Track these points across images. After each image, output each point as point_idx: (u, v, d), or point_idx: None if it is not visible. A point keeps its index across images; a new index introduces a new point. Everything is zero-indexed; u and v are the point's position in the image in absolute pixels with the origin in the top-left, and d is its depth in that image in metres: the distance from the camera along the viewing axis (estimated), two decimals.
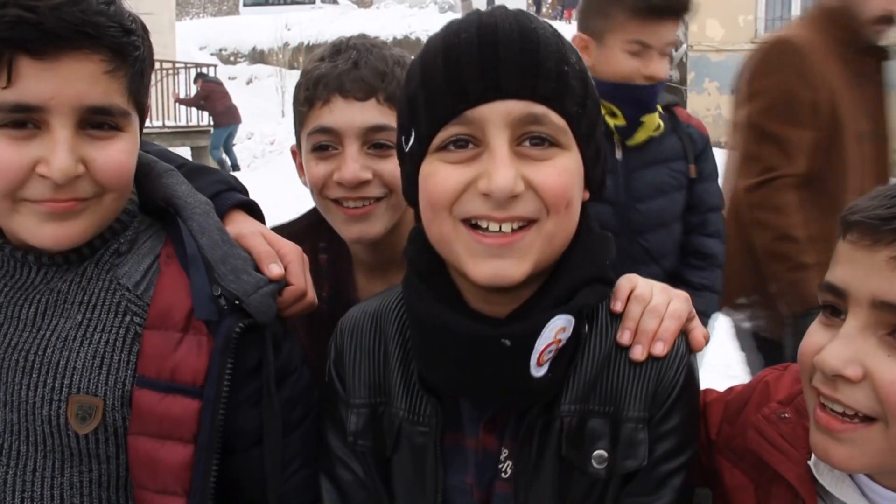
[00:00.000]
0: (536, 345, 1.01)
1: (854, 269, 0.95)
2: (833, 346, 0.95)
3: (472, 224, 1.00)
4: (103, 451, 1.13)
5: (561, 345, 1.04)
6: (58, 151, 1.04)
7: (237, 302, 1.14)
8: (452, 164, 1.01)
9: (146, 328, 1.15)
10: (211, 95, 14.01)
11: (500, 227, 0.99)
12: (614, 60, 2.22)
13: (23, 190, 1.06)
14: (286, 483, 1.22)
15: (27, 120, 1.05)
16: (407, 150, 1.08)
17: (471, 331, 1.02)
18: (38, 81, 1.02)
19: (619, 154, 2.30)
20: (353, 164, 1.43)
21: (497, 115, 0.98)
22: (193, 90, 14.80)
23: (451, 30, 1.03)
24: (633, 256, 2.30)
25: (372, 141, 1.45)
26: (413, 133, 1.05)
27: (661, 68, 2.21)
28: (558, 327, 1.03)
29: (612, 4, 2.21)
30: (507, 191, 0.96)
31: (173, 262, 1.20)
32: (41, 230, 1.08)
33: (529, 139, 1.00)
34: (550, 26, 1.05)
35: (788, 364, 1.23)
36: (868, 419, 0.94)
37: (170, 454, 1.12)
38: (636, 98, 2.22)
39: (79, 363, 1.12)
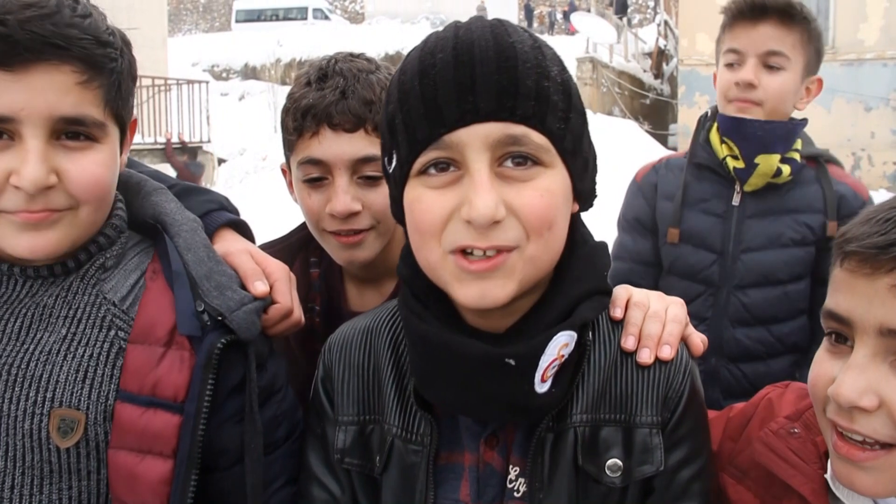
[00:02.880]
0: (540, 362, 1.00)
1: (855, 297, 0.94)
2: (846, 378, 0.94)
3: (458, 250, 1.00)
4: (84, 466, 1.13)
5: (564, 360, 1.04)
6: (29, 162, 1.05)
7: (220, 318, 1.14)
8: (435, 189, 1.00)
9: (130, 342, 1.15)
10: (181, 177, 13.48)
11: (485, 252, 0.98)
12: (718, 81, 2.11)
13: None
14: (268, 501, 1.21)
15: (1, 131, 1.05)
16: (390, 171, 1.07)
17: (474, 350, 1.01)
18: (7, 93, 1.03)
19: (735, 199, 2.13)
20: (343, 195, 1.44)
21: (475, 139, 0.96)
22: (185, 106, 14.80)
23: (426, 48, 1.01)
24: (728, 312, 2.12)
25: (361, 172, 1.46)
26: (394, 155, 1.04)
27: (753, 74, 2.02)
28: (561, 343, 1.02)
29: (720, 28, 2.13)
30: (487, 217, 0.95)
31: (159, 277, 1.20)
32: (17, 240, 1.09)
33: (511, 158, 0.98)
34: (531, 37, 1.02)
35: (790, 382, 1.23)
36: (888, 445, 0.93)
37: (149, 469, 1.12)
38: (745, 132, 2.05)
39: (62, 377, 1.12)
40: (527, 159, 0.98)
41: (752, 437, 1.14)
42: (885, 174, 15.44)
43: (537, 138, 0.98)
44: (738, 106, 2.08)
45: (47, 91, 1.05)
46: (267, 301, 1.22)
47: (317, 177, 1.47)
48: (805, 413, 1.10)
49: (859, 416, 0.94)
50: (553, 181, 1.00)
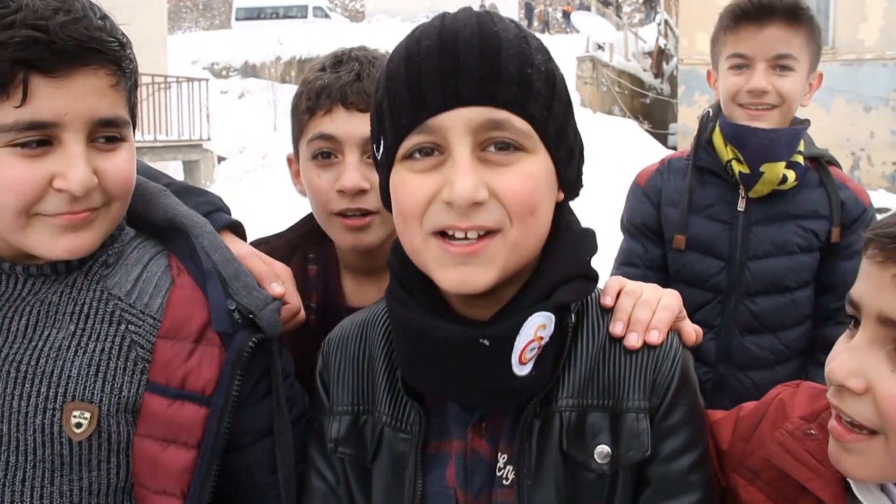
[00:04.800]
0: (516, 343, 1.01)
1: (866, 283, 0.97)
2: (841, 358, 0.97)
3: (440, 233, 1.01)
4: (95, 457, 1.15)
5: (544, 342, 1.04)
6: (75, 165, 1.07)
7: (250, 316, 1.19)
8: (419, 172, 1.01)
9: (159, 337, 1.18)
10: None
11: (466, 235, 0.99)
12: (722, 84, 2.06)
13: (38, 205, 1.09)
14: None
15: (41, 137, 1.07)
16: (378, 157, 1.09)
17: (450, 333, 1.02)
18: (51, 99, 1.05)
19: (741, 205, 2.09)
20: (353, 172, 1.46)
21: (458, 123, 0.98)
22: (185, 104, 14.77)
23: (413, 36, 1.03)
24: (737, 320, 2.10)
25: (371, 151, 1.47)
26: (381, 142, 1.06)
27: (765, 81, 1.97)
28: (537, 325, 1.02)
29: (717, 26, 2.07)
30: (467, 198, 0.96)
31: (185, 275, 1.23)
32: (56, 242, 1.11)
33: (493, 144, 0.99)
34: (517, 27, 1.04)
35: (800, 381, 1.23)
36: (872, 431, 0.95)
37: (172, 458, 1.16)
38: (750, 142, 2.00)
39: (73, 371, 1.14)
40: (509, 145, 1.00)
41: (765, 437, 1.14)
42: (884, 174, 15.45)
43: (519, 123, 0.99)
44: (752, 113, 2.02)
45: (87, 95, 1.08)
46: (280, 301, 1.27)
47: (326, 151, 1.49)
48: (821, 414, 1.10)
49: (847, 396, 0.96)
50: (536, 166, 1.02)
